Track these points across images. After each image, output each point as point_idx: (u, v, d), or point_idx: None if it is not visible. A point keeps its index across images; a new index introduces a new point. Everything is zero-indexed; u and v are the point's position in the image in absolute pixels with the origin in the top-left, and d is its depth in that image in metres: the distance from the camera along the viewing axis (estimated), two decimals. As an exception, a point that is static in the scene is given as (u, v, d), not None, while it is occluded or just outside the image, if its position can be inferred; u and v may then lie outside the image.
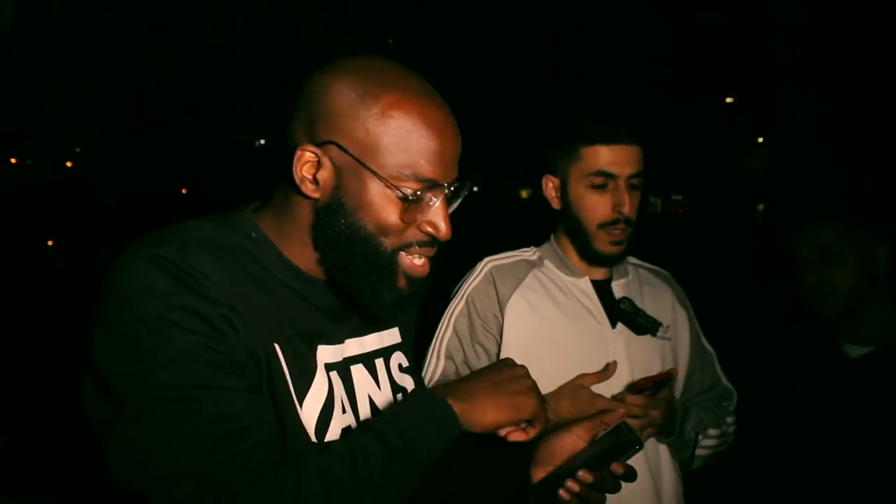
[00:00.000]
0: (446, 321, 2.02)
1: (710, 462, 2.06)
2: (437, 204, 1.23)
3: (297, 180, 1.21)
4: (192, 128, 26.63)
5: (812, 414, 2.09)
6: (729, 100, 25.74)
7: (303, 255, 1.28)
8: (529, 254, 2.11)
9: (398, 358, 1.48)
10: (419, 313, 1.65)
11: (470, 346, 1.99)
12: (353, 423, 1.30)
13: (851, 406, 2.02)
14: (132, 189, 21.48)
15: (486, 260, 2.08)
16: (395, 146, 1.17)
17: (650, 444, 1.93)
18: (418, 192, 1.19)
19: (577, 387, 1.84)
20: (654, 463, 1.96)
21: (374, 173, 1.18)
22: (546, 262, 2.07)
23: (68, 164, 29.59)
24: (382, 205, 1.19)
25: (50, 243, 15.15)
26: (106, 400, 1.09)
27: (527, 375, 1.34)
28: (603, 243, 1.96)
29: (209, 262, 1.14)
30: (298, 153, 1.20)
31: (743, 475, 2.28)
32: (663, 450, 1.99)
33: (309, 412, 1.22)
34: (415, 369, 1.53)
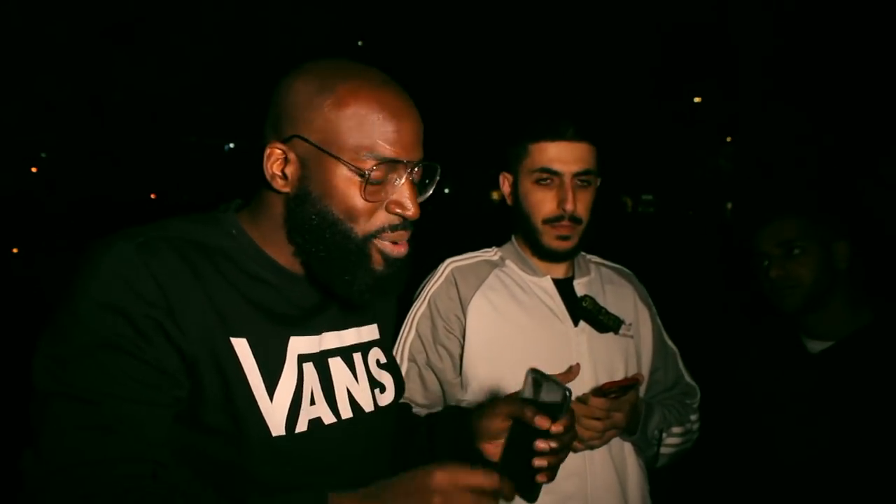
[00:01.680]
0: (409, 324, 2.01)
1: (676, 459, 2.07)
2: (402, 183, 1.27)
3: (269, 177, 1.27)
4: (160, 132, 26.36)
5: (773, 409, 2.11)
6: (697, 100, 26.02)
7: (281, 250, 1.33)
8: (491, 254, 2.11)
9: (376, 354, 1.50)
10: (397, 310, 1.69)
11: (433, 348, 1.98)
12: (325, 416, 1.32)
13: (812, 401, 2.04)
14: (100, 195, 21.23)
15: (447, 261, 2.08)
16: (353, 130, 1.22)
17: (615, 442, 1.94)
18: (380, 173, 1.24)
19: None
20: (619, 461, 1.96)
21: (336, 157, 1.23)
22: (507, 261, 2.07)
23: (33, 169, 29.12)
24: (346, 187, 1.24)
25: (15, 251, 14.93)
26: (31, 374, 1.14)
27: (445, 490, 1.15)
28: (549, 238, 1.96)
29: (168, 260, 1.17)
30: (268, 151, 1.27)
31: (708, 472, 2.31)
32: (628, 448, 2.00)
33: (279, 404, 1.25)
34: (393, 367, 1.55)
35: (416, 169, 1.29)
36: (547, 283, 2.02)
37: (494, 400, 1.47)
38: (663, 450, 2.00)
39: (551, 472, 1.33)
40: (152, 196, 24.66)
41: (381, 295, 1.33)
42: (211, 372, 1.19)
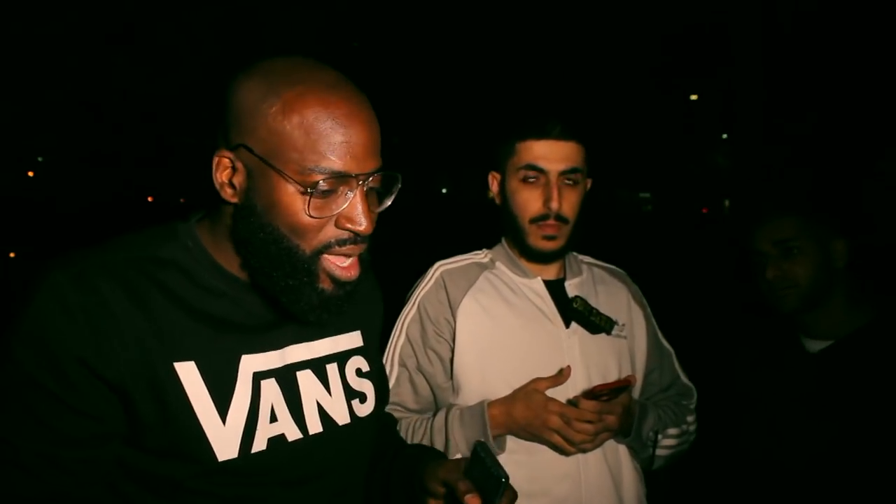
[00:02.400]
0: (399, 328, 1.99)
1: (672, 461, 2.04)
2: (353, 196, 1.19)
3: (217, 186, 1.21)
4: (154, 135, 26.36)
5: (773, 410, 2.09)
6: (693, 97, 26.04)
7: (234, 261, 1.27)
8: (481, 256, 2.08)
9: (357, 363, 1.45)
10: (385, 317, 1.65)
11: (423, 352, 1.95)
12: (289, 432, 1.28)
13: (811, 401, 2.02)
14: (96, 198, 21.23)
15: (437, 265, 2.06)
16: (298, 141, 1.15)
17: (609, 444, 1.91)
18: (327, 187, 1.16)
19: (532, 391, 1.81)
20: (613, 463, 1.93)
21: (280, 172, 1.16)
22: (497, 263, 2.04)
23: (30, 173, 29.10)
24: (291, 203, 1.17)
25: (12, 255, 14.90)
26: None
27: None
28: (535, 238, 1.94)
29: (104, 289, 1.13)
30: (216, 159, 1.21)
31: (706, 474, 2.28)
32: (623, 450, 1.97)
33: (233, 425, 1.21)
34: (377, 374, 1.51)
35: (369, 180, 1.21)
36: (537, 284, 1.99)
37: (438, 461, 1.43)
38: (659, 451, 1.97)
39: None
40: (149, 199, 24.65)
41: (330, 315, 1.27)
42: (146, 401, 1.15)
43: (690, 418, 2.08)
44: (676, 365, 2.17)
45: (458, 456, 1.79)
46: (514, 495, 1.29)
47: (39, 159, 30.01)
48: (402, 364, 1.96)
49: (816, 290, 2.03)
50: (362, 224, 1.20)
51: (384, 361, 1.94)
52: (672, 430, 1.99)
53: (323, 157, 1.15)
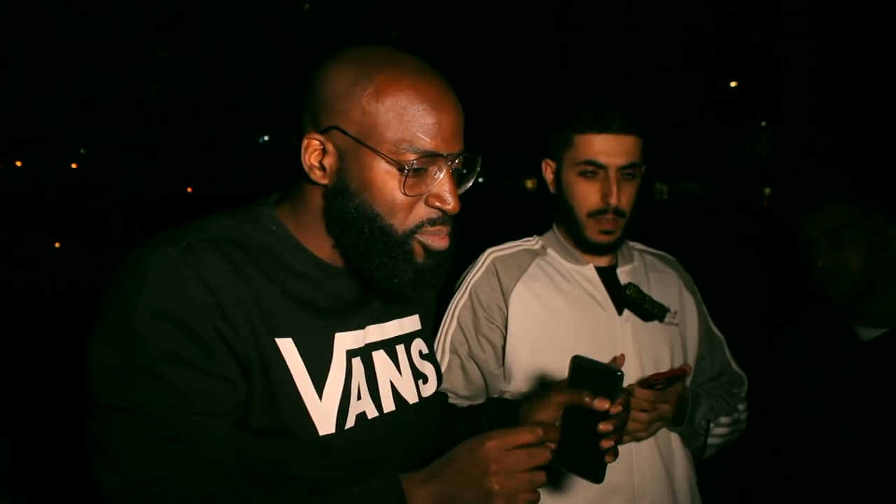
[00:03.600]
0: (450, 315, 1.99)
1: (723, 450, 2.03)
2: (442, 176, 1.24)
3: (306, 169, 1.25)
4: (195, 127, 26.66)
5: (825, 399, 2.06)
6: (733, 84, 25.63)
7: (321, 244, 1.31)
8: (532, 243, 2.08)
9: (419, 345, 1.50)
10: (437, 301, 1.68)
11: (475, 339, 1.96)
12: (369, 410, 1.32)
13: (866, 389, 1.99)
14: (138, 189, 21.56)
15: (488, 251, 2.06)
16: (392, 122, 1.19)
17: (662, 432, 1.91)
18: (419, 166, 1.21)
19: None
20: (666, 451, 1.93)
21: (374, 150, 1.20)
22: (549, 250, 2.04)
23: (73, 165, 29.63)
24: (385, 181, 1.21)
25: (57, 245, 15.21)
26: (88, 386, 1.14)
27: (498, 457, 1.15)
28: (592, 232, 1.93)
29: (214, 262, 1.17)
30: (305, 142, 1.25)
31: (756, 463, 2.26)
32: (675, 438, 1.96)
33: (329, 401, 1.25)
34: (434, 357, 1.55)
35: (456, 161, 1.26)
36: (590, 271, 1.99)
37: (544, 390, 1.45)
38: (711, 440, 1.96)
39: (616, 452, 1.31)
40: (188, 190, 24.95)
41: (423, 288, 1.30)
42: (258, 375, 1.19)
43: (741, 406, 2.06)
44: (727, 353, 2.16)
45: None
46: (627, 391, 1.37)
47: (82, 151, 30.54)
48: (454, 351, 1.96)
49: (869, 278, 2.00)
50: (450, 202, 1.25)
51: (435, 348, 1.94)
52: (724, 419, 1.98)
53: (416, 138, 1.19)
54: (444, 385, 1.92)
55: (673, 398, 1.80)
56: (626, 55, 21.92)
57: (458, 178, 1.32)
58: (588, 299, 1.95)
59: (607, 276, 2.00)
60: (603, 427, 1.29)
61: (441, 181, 1.24)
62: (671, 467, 1.94)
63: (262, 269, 1.23)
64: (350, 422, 1.27)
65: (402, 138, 1.19)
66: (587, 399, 1.29)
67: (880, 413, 1.95)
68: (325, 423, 1.23)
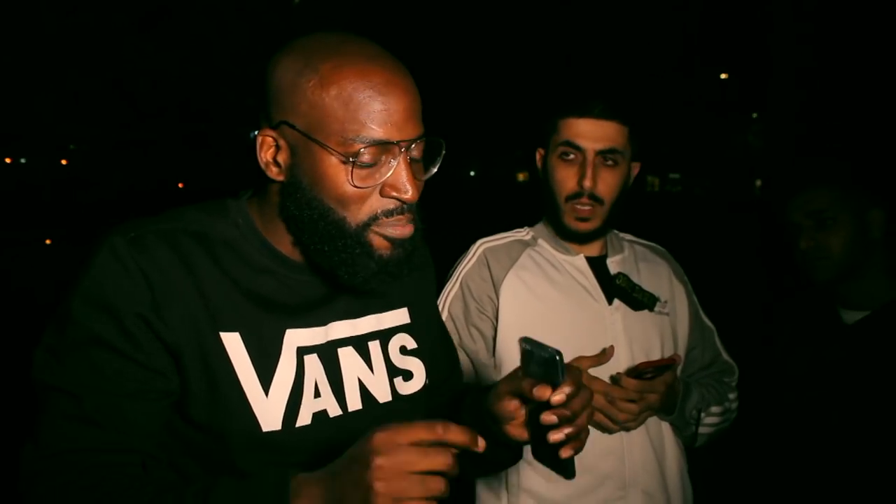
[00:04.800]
0: (441, 305, 1.99)
1: (714, 439, 2.04)
2: (396, 164, 1.19)
3: (262, 166, 1.22)
4: (185, 122, 26.56)
5: (811, 383, 2.08)
6: (723, 76, 25.69)
7: (283, 240, 1.29)
8: (523, 234, 2.08)
9: (401, 340, 1.44)
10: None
11: (465, 330, 1.96)
12: (331, 408, 1.29)
13: (848, 373, 2.01)
14: (128, 185, 21.49)
15: (479, 242, 2.06)
16: (338, 112, 1.15)
17: (653, 421, 1.92)
18: (369, 156, 1.17)
19: (574, 369, 1.82)
20: (657, 440, 1.94)
21: (322, 144, 1.16)
22: (540, 241, 2.04)
23: (63, 161, 29.49)
24: (335, 174, 1.17)
25: (48, 242, 15.16)
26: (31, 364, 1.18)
27: (385, 450, 1.00)
28: (569, 218, 1.93)
29: (159, 254, 1.17)
30: (259, 139, 1.22)
31: (747, 450, 2.28)
32: (666, 428, 1.97)
33: (276, 398, 1.22)
34: (430, 350, 1.50)
35: (412, 147, 1.20)
36: (580, 261, 1.99)
37: (498, 381, 1.35)
38: (701, 429, 1.97)
39: (577, 443, 1.19)
40: (180, 185, 24.88)
41: (391, 280, 1.26)
42: (196, 368, 1.18)
43: (732, 396, 2.07)
44: (718, 342, 2.16)
45: None
46: (579, 371, 1.27)
47: (72, 147, 30.40)
48: None
49: (850, 261, 2.02)
50: (407, 192, 1.19)
51: None
52: (715, 409, 1.99)
53: (363, 126, 1.15)
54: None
55: (661, 387, 1.81)
56: (617, 46, 21.94)
57: (423, 165, 1.28)
58: (579, 289, 1.96)
59: (597, 265, 2.00)
60: (545, 418, 1.18)
61: (396, 170, 1.19)
62: (662, 456, 1.95)
63: (218, 262, 1.22)
64: (304, 419, 1.24)
65: (349, 128, 1.15)
66: (525, 387, 1.20)
67: (862, 396, 1.97)
68: (269, 419, 1.21)
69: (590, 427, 1.82)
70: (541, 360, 1.20)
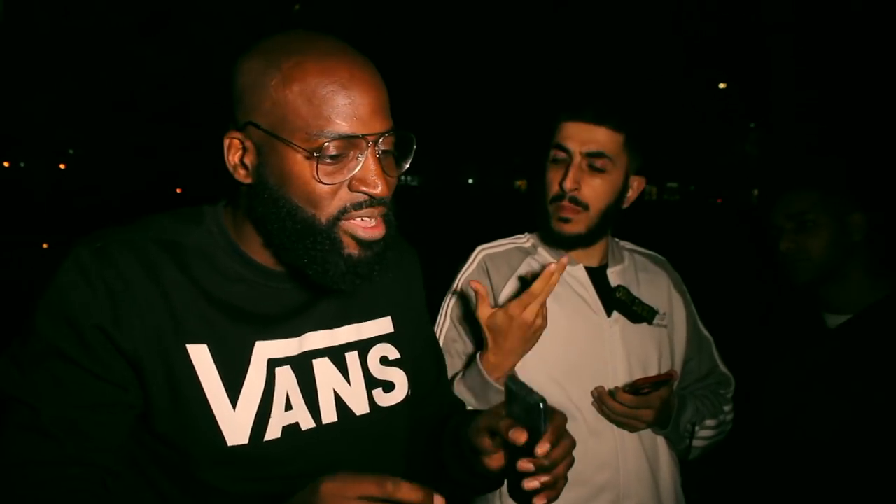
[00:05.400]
0: (444, 313, 2.00)
1: (708, 451, 2.05)
2: (365, 159, 1.17)
3: (231, 169, 1.21)
4: (184, 127, 26.58)
5: (796, 387, 2.08)
6: (722, 85, 25.76)
7: (255, 246, 1.27)
8: (523, 240, 2.08)
9: (382, 350, 1.41)
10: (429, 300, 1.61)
11: (467, 338, 1.96)
12: (303, 421, 1.26)
13: (831, 376, 2.02)
14: (126, 190, 21.47)
15: (479, 248, 2.06)
16: (301, 109, 1.13)
17: (648, 434, 1.92)
18: (335, 151, 1.15)
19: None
20: (651, 453, 1.94)
21: (286, 141, 1.14)
22: (540, 249, 2.04)
23: (61, 166, 29.47)
24: (301, 172, 1.15)
25: (45, 246, 15.12)
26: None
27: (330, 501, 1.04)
28: (554, 220, 1.92)
29: (123, 265, 1.16)
30: (227, 141, 1.20)
31: (739, 461, 2.27)
32: (661, 440, 1.97)
33: (244, 411, 1.20)
34: (409, 362, 1.45)
35: (381, 141, 1.18)
36: (580, 272, 1.99)
37: (480, 413, 1.35)
38: (696, 443, 1.98)
39: (552, 492, 1.18)
40: (178, 190, 24.85)
41: (361, 281, 1.23)
42: (159, 380, 1.16)
43: (727, 408, 2.07)
44: (715, 353, 2.16)
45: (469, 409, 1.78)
46: (563, 417, 1.23)
47: (70, 151, 30.37)
48: (447, 349, 1.96)
49: (830, 263, 2.03)
50: (377, 186, 1.17)
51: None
52: (709, 422, 1.99)
53: (328, 122, 1.13)
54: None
55: (657, 403, 1.81)
56: (614, 53, 22.00)
57: (395, 161, 1.26)
58: (578, 301, 1.95)
59: (597, 276, 2.00)
60: (521, 465, 1.16)
61: (364, 164, 1.16)
62: (657, 469, 1.95)
63: (187, 272, 1.21)
64: (273, 433, 1.22)
65: (313, 124, 1.13)
66: (503, 428, 1.19)
67: (844, 400, 1.97)
68: (236, 433, 1.19)
69: (586, 439, 1.85)
70: (525, 405, 1.17)
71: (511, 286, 1.97)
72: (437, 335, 1.96)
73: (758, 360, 2.28)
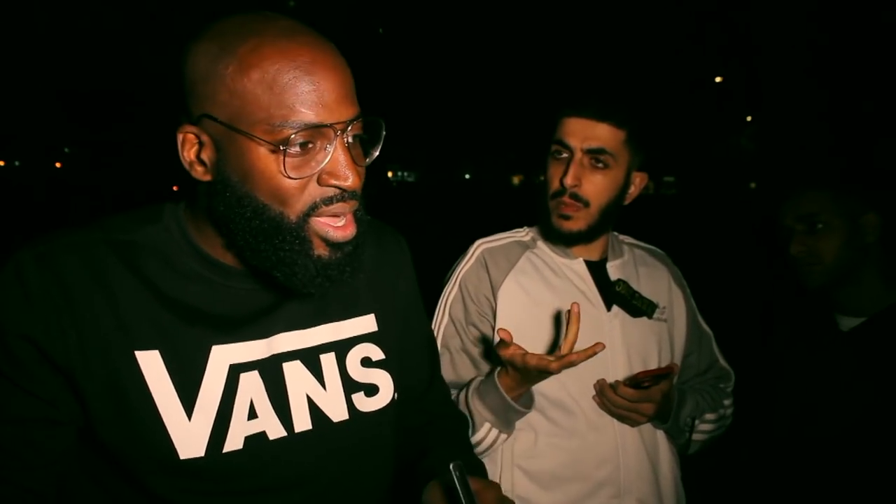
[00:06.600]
0: (441, 308, 1.98)
1: (708, 445, 2.04)
2: (334, 150, 1.08)
3: (186, 166, 1.12)
4: (179, 123, 26.57)
5: (806, 390, 2.06)
6: (718, 79, 25.76)
7: (216, 245, 1.18)
8: (522, 234, 2.07)
9: (364, 350, 1.32)
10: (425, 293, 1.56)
11: (466, 332, 1.95)
12: (271, 429, 1.18)
13: (844, 380, 1.98)
14: (123, 188, 21.43)
15: (477, 242, 2.04)
16: (261, 98, 1.03)
17: (647, 429, 1.92)
18: (302, 141, 1.05)
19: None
20: (651, 448, 1.93)
21: (247, 135, 1.04)
22: (539, 242, 2.03)
23: (57, 164, 29.41)
24: (265, 166, 1.06)
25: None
26: None
27: None
28: (554, 216, 1.91)
29: (66, 272, 1.08)
30: (180, 136, 1.10)
31: (740, 457, 2.27)
32: (661, 435, 1.96)
33: (200, 422, 1.12)
34: (395, 362, 1.36)
35: (349, 129, 1.08)
36: (579, 265, 1.98)
37: (431, 482, 1.31)
38: (695, 437, 1.97)
39: None
40: (174, 188, 24.81)
41: (331, 283, 1.14)
42: (101, 392, 1.08)
43: (727, 402, 2.06)
44: (715, 348, 2.16)
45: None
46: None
47: (66, 150, 30.30)
48: (446, 345, 1.94)
49: (843, 267, 1.97)
50: (348, 178, 1.09)
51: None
52: (709, 416, 1.99)
53: (292, 111, 1.03)
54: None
55: (657, 396, 1.81)
56: (614, 49, 22.01)
57: (363, 149, 1.17)
58: (577, 294, 1.94)
59: (597, 270, 1.99)
60: None
61: (333, 155, 1.07)
62: (657, 463, 1.94)
63: (139, 273, 1.12)
64: (234, 444, 1.13)
65: (276, 114, 1.03)
66: None
67: (857, 404, 1.94)
68: (190, 445, 1.10)
69: (586, 434, 1.84)
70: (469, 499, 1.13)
71: (509, 282, 1.94)
72: (435, 331, 1.95)
73: (763, 356, 2.25)
